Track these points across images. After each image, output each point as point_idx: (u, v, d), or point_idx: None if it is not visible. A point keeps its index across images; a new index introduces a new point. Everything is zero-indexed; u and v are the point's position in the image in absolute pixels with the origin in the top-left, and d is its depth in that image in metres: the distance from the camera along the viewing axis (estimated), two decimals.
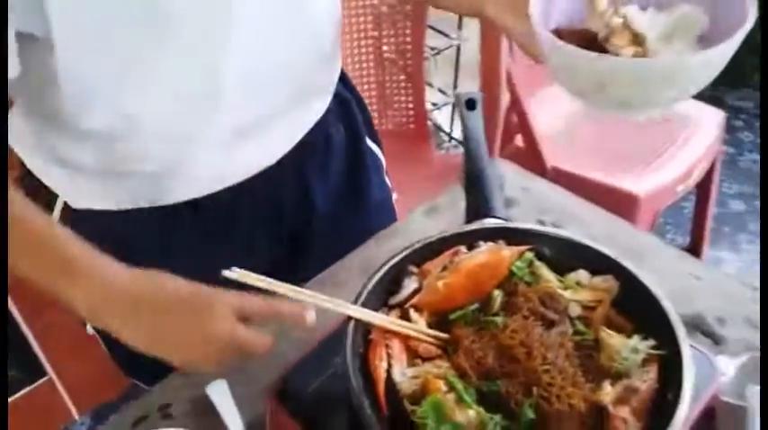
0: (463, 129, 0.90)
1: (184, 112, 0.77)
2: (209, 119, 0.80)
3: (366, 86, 1.74)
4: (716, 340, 0.84)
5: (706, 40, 0.68)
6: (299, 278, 0.86)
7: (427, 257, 0.77)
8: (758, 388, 0.68)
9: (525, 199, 1.08)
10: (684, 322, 0.84)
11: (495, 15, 0.79)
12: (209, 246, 0.92)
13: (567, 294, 0.73)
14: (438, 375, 0.67)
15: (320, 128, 0.97)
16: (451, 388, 0.65)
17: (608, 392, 0.64)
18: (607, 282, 0.73)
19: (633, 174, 1.70)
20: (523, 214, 1.04)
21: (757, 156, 2.51)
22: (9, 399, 1.35)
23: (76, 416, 1.49)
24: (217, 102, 0.78)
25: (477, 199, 0.85)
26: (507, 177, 1.11)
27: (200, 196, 0.88)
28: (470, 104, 0.90)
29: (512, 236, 0.78)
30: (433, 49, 2.29)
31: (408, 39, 1.68)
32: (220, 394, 0.78)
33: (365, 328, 0.71)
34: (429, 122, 1.89)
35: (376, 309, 0.73)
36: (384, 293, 0.74)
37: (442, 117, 2.52)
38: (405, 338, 0.71)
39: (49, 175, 0.88)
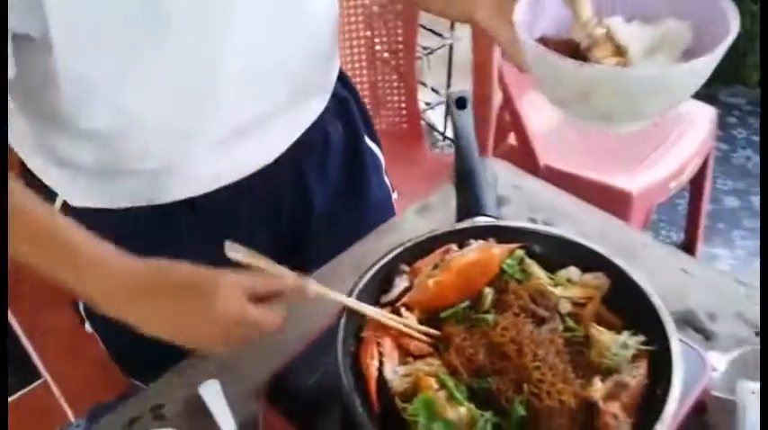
0: (454, 127, 0.90)
1: (183, 111, 0.78)
2: (207, 117, 0.80)
3: (359, 86, 1.73)
4: (707, 336, 0.84)
5: (691, 55, 0.68)
6: None
7: (418, 256, 0.78)
8: (748, 383, 0.68)
9: (517, 197, 1.08)
10: (676, 318, 0.85)
11: (484, 21, 0.79)
12: (208, 244, 0.92)
13: (558, 291, 0.73)
14: (429, 373, 0.67)
15: (318, 126, 0.97)
16: (442, 385, 0.65)
17: (598, 388, 0.64)
18: (597, 279, 0.74)
19: (626, 171, 1.71)
20: (515, 212, 1.04)
21: (751, 153, 2.52)
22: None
23: (72, 419, 1.49)
24: (215, 100, 0.79)
25: (468, 197, 0.86)
26: (499, 176, 1.11)
27: (198, 195, 0.88)
28: (461, 103, 0.90)
29: (502, 234, 0.78)
30: (425, 48, 2.30)
31: (400, 38, 1.68)
32: (213, 394, 0.78)
33: (356, 327, 0.71)
34: (422, 122, 1.89)
35: None
36: (375, 292, 0.75)
37: (436, 116, 2.52)
38: (396, 336, 0.71)
39: (48, 174, 0.88)
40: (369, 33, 1.68)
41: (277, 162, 0.92)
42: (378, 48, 1.71)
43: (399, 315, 0.72)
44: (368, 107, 1.13)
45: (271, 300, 0.68)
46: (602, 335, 0.68)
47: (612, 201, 1.62)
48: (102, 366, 1.13)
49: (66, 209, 0.88)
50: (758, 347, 0.78)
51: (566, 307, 0.72)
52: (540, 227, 0.82)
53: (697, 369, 0.70)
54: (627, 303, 0.71)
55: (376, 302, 0.74)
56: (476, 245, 0.77)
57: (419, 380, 0.66)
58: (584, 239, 0.77)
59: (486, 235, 0.78)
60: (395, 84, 1.75)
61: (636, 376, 0.65)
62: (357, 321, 0.72)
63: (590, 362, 0.68)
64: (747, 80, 2.71)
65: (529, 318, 0.71)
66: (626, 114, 0.69)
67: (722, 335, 0.84)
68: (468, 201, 0.85)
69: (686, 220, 2.13)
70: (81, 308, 1.00)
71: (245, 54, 0.77)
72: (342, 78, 1.03)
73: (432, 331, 0.72)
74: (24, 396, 1.43)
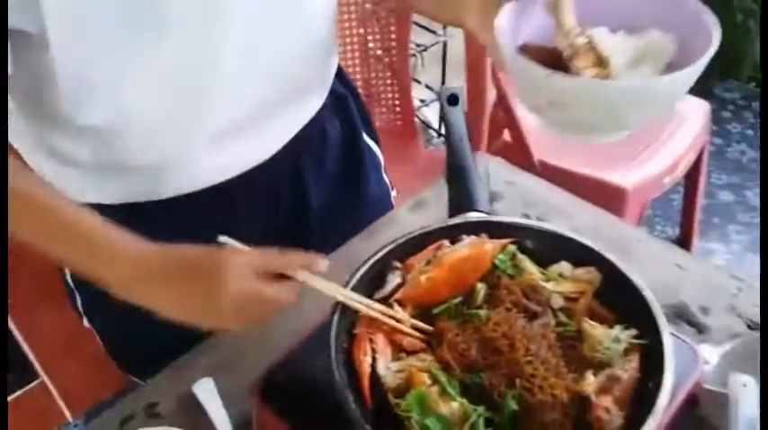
0: (445, 124, 0.90)
1: (181, 108, 0.78)
2: (205, 113, 0.80)
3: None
4: (699, 329, 0.85)
5: (674, 67, 0.68)
6: None
7: (410, 252, 0.78)
8: (740, 375, 0.68)
9: (511, 193, 1.08)
10: (668, 312, 0.86)
11: (473, 27, 0.79)
12: (204, 240, 0.92)
13: (550, 286, 0.73)
14: (422, 368, 0.67)
15: (316, 123, 0.97)
16: (435, 380, 0.66)
17: (590, 382, 0.64)
18: (589, 274, 0.74)
19: (620, 166, 1.71)
20: (509, 208, 1.04)
21: (745, 147, 2.52)
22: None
23: (70, 419, 1.49)
24: (213, 97, 0.79)
25: (461, 193, 0.86)
26: (493, 171, 1.11)
27: (195, 190, 0.88)
28: (452, 100, 0.90)
29: (494, 229, 0.79)
30: (419, 46, 2.30)
31: (393, 35, 1.67)
32: (207, 392, 0.78)
33: (349, 323, 0.71)
34: (417, 119, 1.90)
35: None
36: (368, 288, 0.74)
37: (431, 114, 2.52)
38: (389, 333, 0.71)
39: (47, 171, 0.88)
40: (362, 31, 1.68)
41: (274, 158, 0.92)
42: (371, 45, 1.71)
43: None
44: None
45: (282, 277, 0.69)
46: (595, 329, 0.69)
47: (607, 197, 1.62)
48: (99, 365, 1.13)
49: None
50: (750, 340, 0.78)
51: (558, 301, 0.72)
52: (531, 222, 0.82)
53: (689, 362, 0.70)
54: (619, 297, 0.71)
55: (369, 298, 0.74)
56: (468, 240, 0.77)
57: (412, 376, 0.66)
58: (575, 234, 0.77)
59: (478, 230, 0.78)
60: (388, 81, 1.75)
61: (628, 370, 0.65)
62: (350, 318, 0.72)
63: (582, 357, 0.68)
64: (741, 75, 2.71)
65: (521, 313, 0.71)
66: (600, 125, 0.70)
67: (715, 329, 0.84)
68: (461, 196, 0.85)
69: (681, 215, 2.13)
70: (79, 303, 1.00)
71: (243, 52, 0.77)
72: (340, 76, 1.03)
73: (425, 326, 0.72)
74: (22, 396, 1.42)
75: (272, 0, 0.79)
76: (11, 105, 0.79)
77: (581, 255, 0.75)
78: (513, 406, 0.63)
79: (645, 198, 1.73)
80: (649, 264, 0.92)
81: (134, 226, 0.88)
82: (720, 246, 2.19)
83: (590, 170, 1.71)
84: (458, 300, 0.74)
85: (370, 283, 0.75)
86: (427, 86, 2.45)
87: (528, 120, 1.75)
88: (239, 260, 0.67)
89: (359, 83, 1.75)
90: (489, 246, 0.76)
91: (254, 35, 0.78)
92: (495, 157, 1.17)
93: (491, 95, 1.69)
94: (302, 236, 1.02)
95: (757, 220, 2.26)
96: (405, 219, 1.04)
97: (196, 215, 0.90)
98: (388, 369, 0.68)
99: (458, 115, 0.89)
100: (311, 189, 1.00)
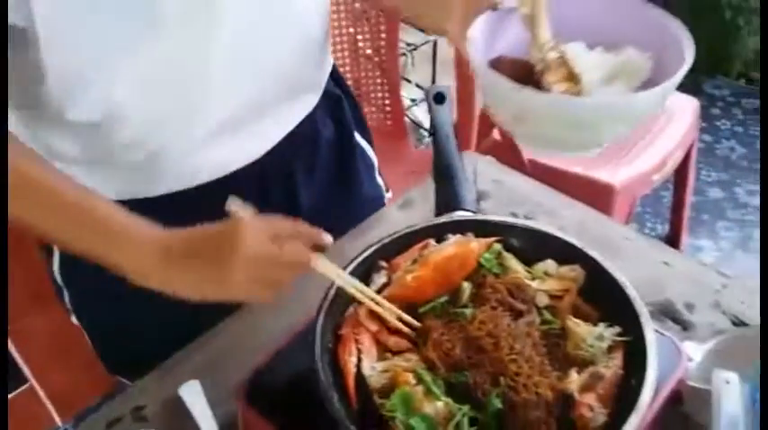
0: (432, 123, 0.90)
1: (172, 103, 0.78)
2: (196, 111, 0.80)
3: None
4: (684, 326, 0.85)
5: (650, 85, 0.68)
6: None
7: (396, 251, 0.78)
8: (723, 372, 0.68)
9: (498, 191, 1.08)
10: (653, 309, 0.86)
11: (454, 37, 0.79)
12: None
13: (535, 284, 0.74)
14: (407, 368, 0.67)
15: (309, 123, 0.97)
16: (420, 380, 0.66)
17: (574, 380, 0.65)
18: (574, 272, 0.74)
19: (609, 164, 1.71)
20: (496, 206, 1.05)
21: (734, 144, 2.53)
22: None
23: (59, 423, 1.48)
24: (204, 94, 0.79)
25: (447, 192, 0.86)
26: (481, 170, 1.12)
27: (185, 188, 0.88)
28: (439, 98, 0.90)
29: (480, 228, 0.79)
30: (409, 45, 2.30)
31: (383, 35, 1.67)
32: (193, 395, 0.78)
33: (334, 324, 0.71)
34: (407, 118, 1.90)
35: (345, 305, 0.73)
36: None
37: (421, 113, 2.52)
38: (375, 333, 0.71)
39: None
40: (352, 30, 1.68)
41: (265, 158, 0.92)
42: (361, 44, 1.71)
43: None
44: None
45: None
46: (579, 327, 0.69)
47: (596, 195, 1.63)
48: (88, 369, 1.13)
49: None
50: (734, 336, 0.79)
51: (543, 300, 0.73)
52: (517, 220, 0.82)
53: (673, 359, 0.71)
54: (603, 295, 0.72)
55: (354, 299, 0.74)
56: (453, 239, 0.77)
57: (397, 376, 0.66)
58: (560, 232, 0.77)
59: (463, 229, 0.79)
60: (378, 80, 1.75)
61: (611, 367, 0.65)
62: (335, 318, 0.72)
63: (566, 355, 0.68)
64: (731, 72, 2.73)
65: (506, 311, 0.71)
66: (566, 141, 0.70)
67: (700, 326, 0.85)
68: (447, 195, 0.85)
69: (671, 212, 2.14)
70: (67, 300, 1.00)
71: (235, 49, 0.77)
72: (335, 77, 1.03)
73: (414, 322, 0.72)
74: (11, 400, 1.42)
75: (263, 0, 0.79)
76: None
77: (566, 252, 0.76)
78: (498, 404, 0.63)
79: (634, 196, 1.74)
80: (635, 262, 0.92)
81: None
82: (710, 243, 2.20)
83: (579, 168, 1.71)
84: (444, 298, 0.74)
85: None
86: (418, 85, 2.45)
87: None
88: (252, 226, 0.68)
89: (349, 82, 1.74)
90: (475, 244, 0.76)
91: (245, 32, 0.78)
92: (484, 156, 1.17)
93: (481, 94, 1.69)
94: None
95: (747, 217, 2.27)
96: (394, 219, 1.04)
97: (186, 213, 0.89)
98: (374, 369, 0.68)
99: (444, 114, 0.90)
100: (302, 189, 1.00)
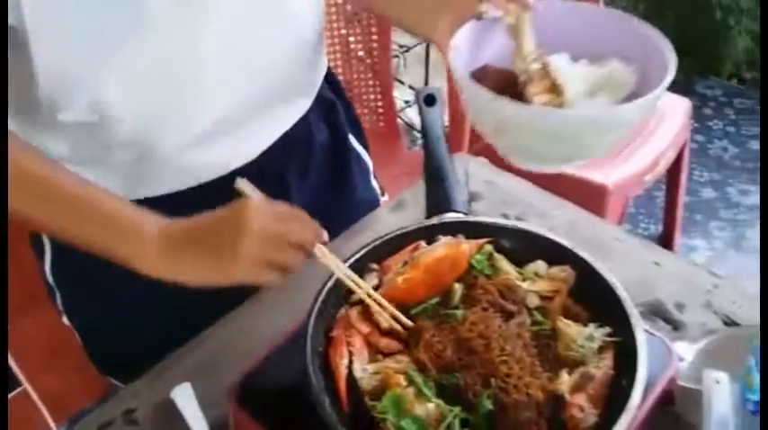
0: (422, 124, 0.90)
1: (162, 104, 0.78)
2: (186, 112, 0.80)
3: None
4: (675, 326, 0.85)
5: (634, 98, 0.68)
6: None
7: (387, 253, 0.78)
8: (713, 372, 0.68)
9: (490, 192, 1.08)
10: (644, 309, 0.86)
11: (439, 43, 0.79)
12: None
13: (526, 285, 0.74)
14: (398, 370, 0.67)
15: (302, 126, 0.97)
16: (411, 382, 0.66)
17: (565, 381, 0.65)
18: (564, 272, 0.74)
19: (601, 165, 1.72)
20: (489, 207, 1.05)
21: (727, 144, 2.54)
22: None
23: (53, 426, 1.48)
24: (195, 95, 0.79)
25: (438, 194, 0.86)
26: (473, 171, 1.12)
27: (176, 191, 0.88)
28: (429, 100, 0.90)
29: (471, 229, 0.79)
30: (402, 47, 2.30)
31: (375, 36, 1.67)
32: (185, 398, 0.78)
33: (326, 326, 0.71)
34: (400, 120, 1.90)
35: (337, 308, 0.73)
36: (345, 290, 0.74)
37: (415, 115, 2.52)
38: (366, 335, 0.71)
39: None
40: (344, 32, 1.68)
41: (257, 161, 0.92)
42: (353, 46, 1.71)
43: (369, 313, 0.73)
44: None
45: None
46: (569, 328, 0.69)
47: (588, 196, 1.63)
48: (82, 372, 1.12)
49: None
50: (725, 336, 0.79)
51: (533, 301, 0.73)
52: (507, 221, 0.82)
53: (663, 359, 0.71)
54: (593, 295, 0.72)
55: (345, 301, 0.74)
56: (443, 240, 0.77)
57: (388, 378, 0.66)
58: (550, 233, 0.77)
59: (454, 231, 0.79)
60: (371, 82, 1.75)
61: (602, 367, 0.66)
62: (326, 320, 0.72)
63: (557, 355, 0.68)
64: (722, 72, 2.73)
65: (497, 312, 0.71)
66: (545, 154, 0.70)
67: (690, 326, 0.85)
68: (438, 197, 0.85)
69: (664, 213, 2.15)
70: (58, 301, 0.99)
71: (225, 50, 0.77)
72: (330, 81, 1.03)
73: (406, 320, 0.72)
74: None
75: (253, 1, 0.79)
76: None
77: (556, 253, 0.76)
78: (489, 405, 0.63)
79: (626, 196, 1.74)
80: (626, 262, 0.92)
81: None
82: (703, 243, 2.21)
83: (571, 169, 1.71)
84: (435, 300, 0.74)
85: (347, 285, 0.75)
86: (410, 87, 2.45)
87: None
88: (259, 206, 0.69)
89: (341, 84, 1.75)
90: (466, 246, 0.76)
91: (236, 33, 0.78)
92: (476, 157, 1.17)
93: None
94: None
95: (739, 217, 2.28)
96: (385, 221, 1.04)
97: (182, 214, 0.90)
98: (365, 371, 0.68)
99: (435, 116, 0.90)
100: (295, 191, 1.00)
